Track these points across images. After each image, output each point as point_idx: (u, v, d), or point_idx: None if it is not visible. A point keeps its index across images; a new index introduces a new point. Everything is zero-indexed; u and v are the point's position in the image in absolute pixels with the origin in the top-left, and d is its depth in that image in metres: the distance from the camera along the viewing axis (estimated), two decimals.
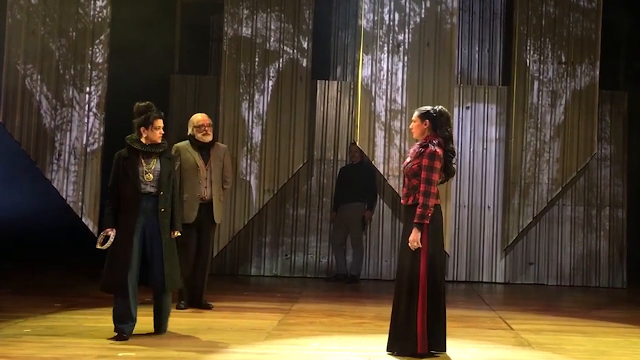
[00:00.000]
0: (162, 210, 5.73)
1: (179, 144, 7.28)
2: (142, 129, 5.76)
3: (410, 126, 5.63)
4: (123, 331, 5.61)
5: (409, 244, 5.30)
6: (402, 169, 5.63)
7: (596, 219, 10.34)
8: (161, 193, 5.73)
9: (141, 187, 5.68)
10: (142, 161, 5.73)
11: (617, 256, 10.29)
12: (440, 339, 5.42)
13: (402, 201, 5.60)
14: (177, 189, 6.14)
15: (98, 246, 5.64)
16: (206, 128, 7.20)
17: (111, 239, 5.60)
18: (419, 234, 5.29)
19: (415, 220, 5.30)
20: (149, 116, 5.75)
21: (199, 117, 7.28)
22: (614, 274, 10.26)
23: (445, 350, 5.46)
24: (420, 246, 5.29)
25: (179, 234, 5.94)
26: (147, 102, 5.83)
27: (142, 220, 5.68)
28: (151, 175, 5.70)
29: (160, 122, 5.80)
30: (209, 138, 7.23)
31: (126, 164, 5.71)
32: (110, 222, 5.67)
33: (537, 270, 10.26)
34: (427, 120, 5.50)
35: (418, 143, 5.53)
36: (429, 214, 5.31)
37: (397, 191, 9.50)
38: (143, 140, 5.77)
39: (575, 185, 10.29)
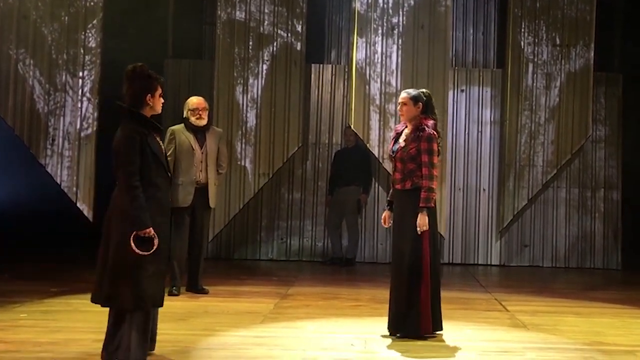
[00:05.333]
0: None
1: (174, 127, 7.23)
2: (147, 96, 4.40)
3: (400, 108, 5.52)
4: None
5: (418, 228, 5.29)
6: (393, 153, 5.49)
7: (591, 201, 10.36)
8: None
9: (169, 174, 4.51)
10: (159, 140, 4.49)
11: (611, 238, 10.31)
12: (439, 319, 5.48)
13: (397, 186, 5.49)
14: None
15: (140, 252, 4.25)
16: (200, 112, 7.13)
17: (156, 241, 4.31)
18: (426, 217, 5.30)
19: (421, 204, 5.30)
20: (155, 80, 4.43)
21: (194, 101, 7.22)
22: (608, 256, 10.29)
23: (442, 329, 5.52)
24: (427, 229, 5.31)
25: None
26: (141, 63, 4.47)
27: None
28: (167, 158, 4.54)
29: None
30: (203, 122, 7.16)
31: (152, 143, 4.36)
32: (148, 219, 4.27)
33: (532, 252, 10.29)
34: (420, 103, 5.46)
35: (411, 126, 5.48)
36: (434, 197, 5.33)
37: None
38: (146, 112, 4.43)
39: (570, 167, 10.30)
